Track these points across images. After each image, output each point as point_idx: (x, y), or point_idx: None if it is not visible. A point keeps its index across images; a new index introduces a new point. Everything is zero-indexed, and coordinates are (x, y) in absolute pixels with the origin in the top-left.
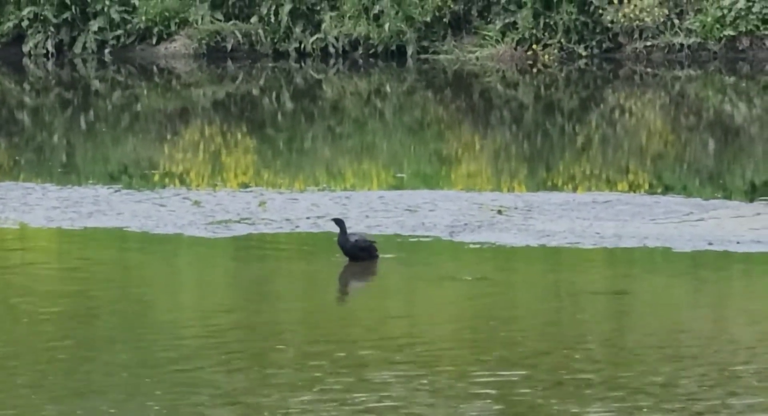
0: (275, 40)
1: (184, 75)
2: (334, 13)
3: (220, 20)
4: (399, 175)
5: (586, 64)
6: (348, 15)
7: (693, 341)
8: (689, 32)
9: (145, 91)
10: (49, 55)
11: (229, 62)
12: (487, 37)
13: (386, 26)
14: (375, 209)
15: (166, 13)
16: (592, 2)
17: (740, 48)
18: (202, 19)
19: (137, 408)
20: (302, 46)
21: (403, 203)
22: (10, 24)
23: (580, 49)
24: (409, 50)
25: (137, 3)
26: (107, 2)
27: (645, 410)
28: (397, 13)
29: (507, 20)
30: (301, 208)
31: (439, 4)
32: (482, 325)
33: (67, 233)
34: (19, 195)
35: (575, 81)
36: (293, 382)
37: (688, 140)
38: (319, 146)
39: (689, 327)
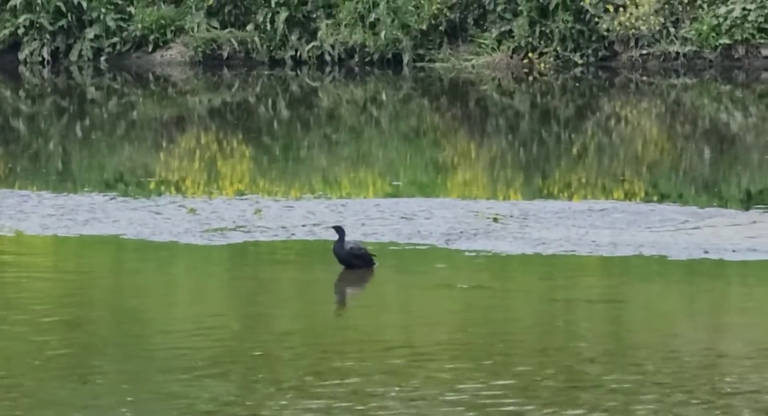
0: (271, 48)
1: (180, 83)
2: (330, 21)
3: (216, 28)
4: (395, 183)
5: (582, 72)
6: (344, 23)
7: (689, 349)
8: (685, 41)
9: (141, 99)
10: (45, 63)
11: (225, 70)
12: (483, 45)
13: (382, 34)
14: (371, 216)
15: (162, 21)
16: (588, 10)
17: (736, 56)
18: (198, 26)
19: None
20: (298, 53)
21: (399, 211)
22: (6, 31)
23: (576, 58)
24: (405, 58)
25: (133, 11)
26: (103, 10)
27: None
28: (393, 21)
29: (503, 28)
30: (296, 216)
31: (435, 12)
32: (478, 333)
33: (63, 241)
34: (15, 203)
35: (571, 89)
36: (288, 390)
37: (683, 149)
38: (314, 154)
39: (685, 335)
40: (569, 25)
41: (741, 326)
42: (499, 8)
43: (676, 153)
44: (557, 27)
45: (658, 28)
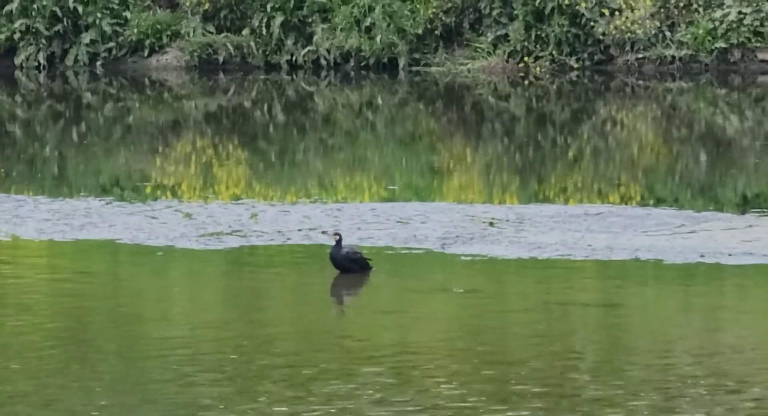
0: (267, 53)
1: (176, 87)
2: (325, 26)
3: (212, 33)
4: (391, 187)
5: (578, 76)
6: (340, 27)
7: (685, 353)
8: (681, 44)
9: (137, 104)
10: (41, 68)
11: (221, 75)
12: (478, 50)
13: (378, 39)
14: (367, 221)
15: (158, 26)
16: (583, 14)
17: (732, 60)
18: (193, 31)
19: None
20: (294, 58)
21: (394, 216)
22: (2, 36)
23: (572, 62)
24: (401, 62)
25: (129, 15)
26: (99, 15)
27: None
28: (388, 25)
29: (498, 33)
30: (292, 220)
31: (431, 16)
32: (473, 337)
33: (59, 246)
34: (11, 207)
35: (567, 93)
36: (285, 395)
37: (679, 153)
38: (310, 159)
39: (681, 339)
40: (565, 29)
41: (737, 329)
42: (494, 12)
43: (672, 157)
44: (553, 31)
45: (653, 32)
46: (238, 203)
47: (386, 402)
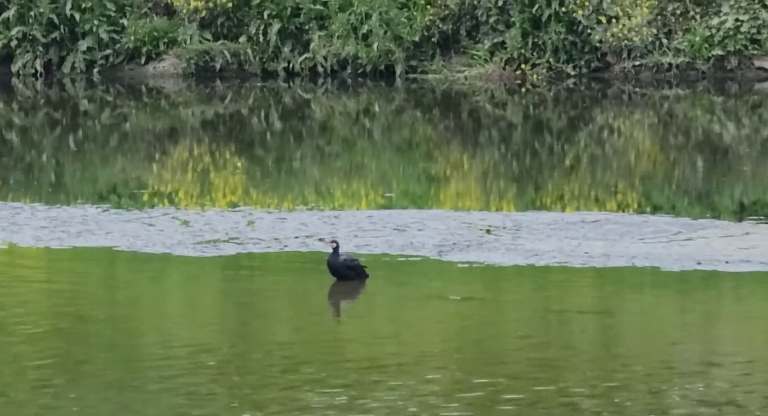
0: (264, 60)
1: (173, 95)
2: (322, 33)
3: (209, 40)
4: (388, 194)
5: (575, 83)
6: (336, 34)
7: (681, 360)
8: (677, 52)
9: (134, 111)
10: (38, 75)
11: (218, 82)
12: (475, 57)
13: (375, 46)
14: (364, 228)
15: (155, 33)
16: (580, 22)
17: (728, 67)
18: (190, 38)
19: None
20: (291, 65)
21: (391, 223)
22: None
23: (569, 69)
24: (398, 70)
25: (126, 23)
26: (96, 22)
27: None
28: (385, 32)
29: (495, 40)
30: (289, 227)
31: (428, 23)
32: (470, 344)
33: (56, 253)
34: (8, 215)
35: (564, 100)
36: (281, 402)
37: (676, 160)
38: (307, 166)
39: (678, 346)
40: (562, 36)
41: (734, 337)
42: (491, 20)
43: (668, 164)
44: (550, 38)
45: (650, 39)
46: (235, 211)
47: (383, 409)
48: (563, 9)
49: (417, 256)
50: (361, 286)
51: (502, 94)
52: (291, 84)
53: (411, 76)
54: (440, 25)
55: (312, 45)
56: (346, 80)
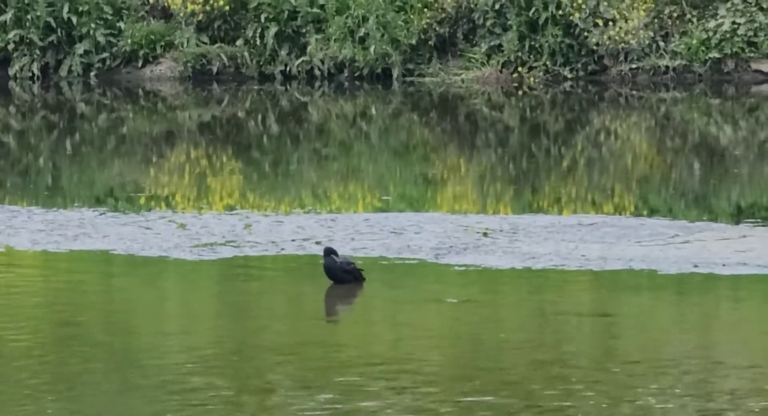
0: (261, 63)
1: (170, 98)
2: (319, 36)
3: (206, 43)
4: (384, 197)
5: (572, 86)
6: (333, 38)
7: (678, 363)
8: (674, 55)
9: (131, 114)
10: (35, 78)
11: (215, 85)
12: (472, 60)
13: (372, 49)
14: (360, 231)
15: (152, 36)
16: (577, 25)
17: (725, 70)
18: (187, 42)
19: None
20: (288, 68)
21: (388, 226)
22: None
23: (566, 72)
24: (395, 73)
25: (123, 26)
26: (93, 25)
27: None
28: (382, 35)
29: (492, 43)
30: (286, 231)
31: (425, 26)
32: (467, 347)
33: (53, 256)
34: (5, 218)
35: (561, 103)
36: (277, 406)
37: (673, 162)
38: (304, 169)
39: (674, 349)
40: (559, 39)
41: (731, 340)
42: (488, 23)
43: (665, 167)
44: (547, 41)
45: (647, 42)
46: (232, 214)
47: (379, 412)
48: (560, 12)
49: (414, 259)
50: (358, 289)
51: (499, 97)
52: (288, 87)
53: (408, 79)
54: (437, 29)
55: (309, 48)
56: (343, 83)
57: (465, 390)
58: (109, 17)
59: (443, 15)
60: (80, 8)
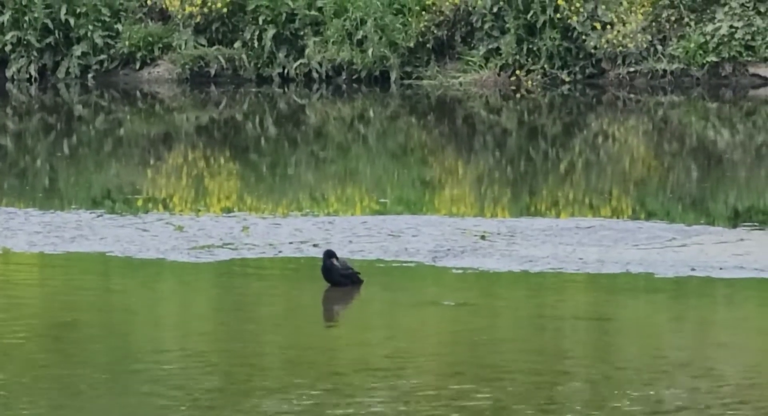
0: (259, 66)
1: (168, 100)
2: (317, 39)
3: (204, 45)
4: (382, 200)
5: (570, 89)
6: (331, 40)
7: (675, 367)
8: (672, 58)
9: (128, 116)
10: (32, 80)
11: (213, 87)
12: (470, 63)
13: (370, 52)
14: (358, 234)
15: (150, 38)
16: (575, 28)
17: (723, 74)
18: (185, 44)
19: None
20: (286, 71)
21: (386, 229)
22: None
23: (564, 75)
24: (393, 76)
25: (120, 28)
26: (91, 27)
27: None
28: (380, 38)
29: (490, 46)
30: (284, 233)
31: (423, 29)
32: (464, 350)
33: (50, 258)
34: (2, 220)
35: (558, 106)
36: (274, 409)
37: (671, 166)
38: (302, 171)
39: (672, 352)
40: (557, 42)
41: (728, 344)
42: (486, 26)
43: (663, 171)
44: (545, 45)
45: (645, 45)
46: (229, 216)
47: (377, 415)
48: (558, 15)
49: (411, 262)
50: (355, 292)
51: (496, 100)
52: (286, 90)
53: (406, 82)
54: (435, 31)
55: (307, 51)
56: (341, 86)
57: (462, 393)
58: (107, 19)
59: (441, 18)
60: (78, 10)
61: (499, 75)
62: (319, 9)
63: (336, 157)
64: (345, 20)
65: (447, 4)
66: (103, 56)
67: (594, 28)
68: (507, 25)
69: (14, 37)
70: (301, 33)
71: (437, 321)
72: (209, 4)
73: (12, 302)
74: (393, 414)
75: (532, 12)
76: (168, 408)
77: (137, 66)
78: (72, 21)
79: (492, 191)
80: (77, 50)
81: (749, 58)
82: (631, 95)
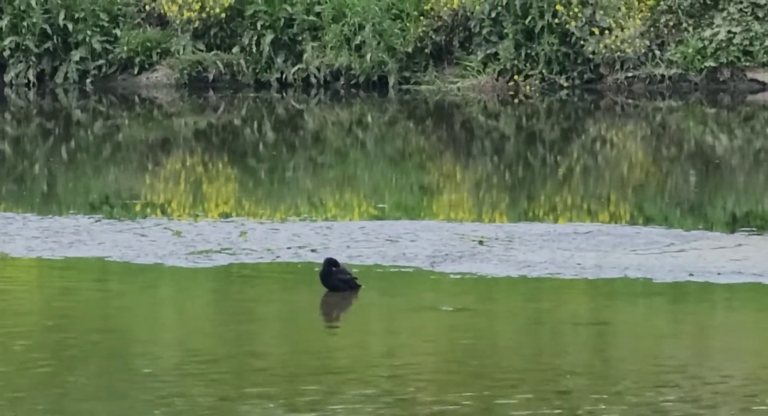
0: (257, 71)
1: (166, 105)
2: (315, 44)
3: (202, 50)
4: (380, 205)
5: (568, 95)
6: (330, 45)
7: (674, 372)
8: (670, 63)
9: (127, 121)
10: (31, 85)
11: (211, 92)
12: (468, 68)
13: (368, 57)
14: (356, 239)
15: (148, 43)
16: (573, 33)
17: (721, 79)
18: (183, 49)
19: None
20: (284, 76)
21: (384, 234)
22: None
23: (562, 80)
24: (391, 81)
25: (119, 33)
26: (89, 32)
27: None
28: (378, 43)
29: (488, 51)
30: (282, 238)
31: (421, 34)
32: (462, 355)
33: (48, 263)
34: (0, 225)
35: (556, 112)
36: (271, 414)
37: (669, 171)
38: (300, 177)
39: (670, 357)
40: (555, 47)
41: (726, 349)
42: (484, 31)
43: (661, 176)
44: (543, 50)
45: (643, 51)
46: (227, 221)
47: None
48: (556, 20)
49: (409, 267)
50: (353, 297)
51: (494, 105)
52: (284, 95)
53: (404, 87)
54: (433, 37)
55: (305, 56)
56: (339, 91)
57: (459, 398)
58: (105, 24)
59: (439, 23)
60: (76, 15)
61: (497, 80)
62: (318, 14)
63: (334, 162)
64: (343, 25)
65: (445, 9)
66: (101, 61)
67: (592, 34)
68: (505, 31)
69: (13, 43)
70: (300, 38)
71: (435, 326)
72: (207, 9)
73: (10, 307)
74: None
75: (530, 17)
76: (166, 413)
77: (135, 71)
78: (70, 26)
79: (490, 197)
80: (75, 55)
81: (747, 64)
82: (630, 100)
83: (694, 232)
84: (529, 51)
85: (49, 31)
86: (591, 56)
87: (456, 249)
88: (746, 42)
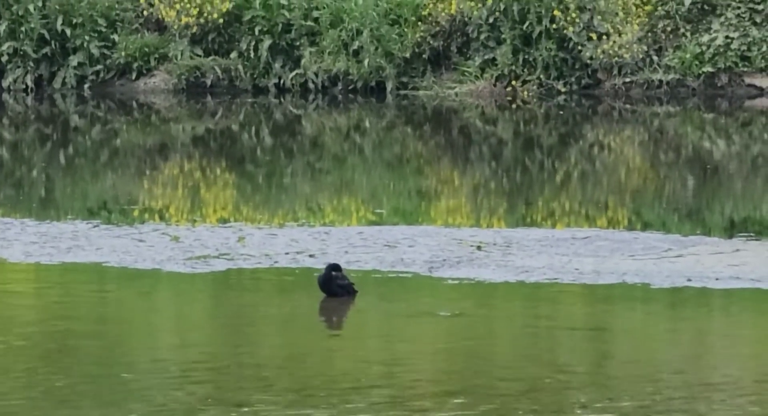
0: (255, 76)
1: (164, 110)
2: (313, 49)
3: (200, 56)
4: (378, 211)
5: (565, 100)
6: (327, 51)
7: (671, 378)
8: (668, 69)
9: (125, 127)
10: (29, 90)
11: (209, 98)
12: (466, 73)
13: (366, 62)
14: (354, 244)
15: (146, 49)
16: (571, 39)
17: (719, 84)
18: (181, 54)
19: None
20: (282, 81)
21: (382, 239)
22: None
23: (559, 86)
24: (389, 86)
25: (117, 38)
26: (87, 38)
27: None
28: (376, 48)
29: (486, 56)
30: (280, 243)
31: (419, 40)
32: (460, 361)
33: (46, 268)
34: None
35: (554, 117)
36: None
37: (667, 177)
38: (298, 182)
39: (668, 363)
40: (552, 53)
41: (724, 354)
42: (482, 36)
43: (659, 181)
44: (540, 55)
45: (641, 56)
46: (225, 227)
47: None
48: (554, 26)
49: (407, 272)
50: (351, 302)
51: (492, 110)
52: (282, 100)
53: (402, 92)
54: (431, 42)
55: (303, 61)
56: (337, 96)
57: (457, 404)
58: (103, 29)
59: (437, 28)
60: (74, 20)
61: (495, 85)
62: (315, 20)
63: (332, 167)
64: (341, 31)
65: (443, 14)
66: (99, 67)
67: (590, 39)
68: (503, 36)
69: (10, 48)
70: (297, 43)
71: (433, 331)
72: (205, 14)
73: (7, 313)
74: None
75: (528, 22)
76: None
77: (133, 76)
78: (68, 31)
79: (488, 202)
80: (73, 61)
81: (745, 69)
82: (627, 106)
83: (692, 237)
84: (526, 56)
85: (47, 36)
86: (589, 62)
87: (454, 254)
88: (744, 47)
